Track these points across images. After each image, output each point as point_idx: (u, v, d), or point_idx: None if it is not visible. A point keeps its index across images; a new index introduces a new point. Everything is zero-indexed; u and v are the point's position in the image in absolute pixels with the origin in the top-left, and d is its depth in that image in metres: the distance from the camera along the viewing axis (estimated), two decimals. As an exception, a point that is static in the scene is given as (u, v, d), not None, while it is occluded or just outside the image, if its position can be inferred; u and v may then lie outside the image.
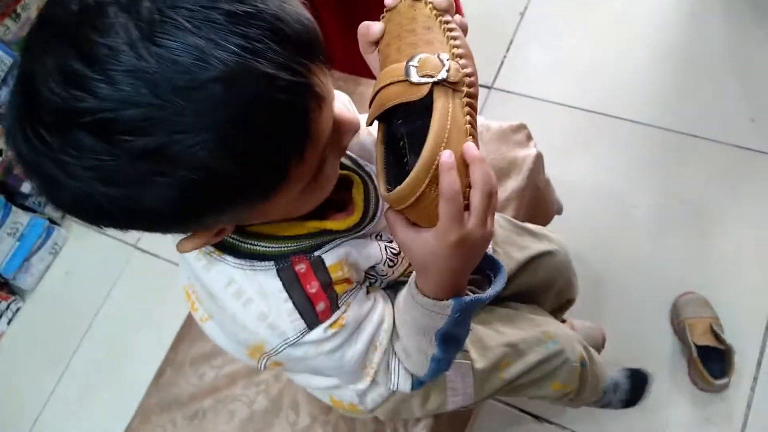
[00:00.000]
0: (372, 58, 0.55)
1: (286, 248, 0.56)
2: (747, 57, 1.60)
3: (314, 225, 0.56)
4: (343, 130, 0.51)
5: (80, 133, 0.38)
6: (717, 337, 1.28)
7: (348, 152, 0.63)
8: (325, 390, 0.77)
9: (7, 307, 1.77)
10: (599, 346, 1.28)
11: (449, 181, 0.47)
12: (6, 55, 1.60)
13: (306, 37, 0.43)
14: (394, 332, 0.65)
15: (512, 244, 0.88)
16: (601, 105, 1.63)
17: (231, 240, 0.55)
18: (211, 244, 0.53)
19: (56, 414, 1.64)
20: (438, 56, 0.48)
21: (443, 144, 0.47)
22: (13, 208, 1.75)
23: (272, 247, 0.55)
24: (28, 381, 1.70)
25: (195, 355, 0.99)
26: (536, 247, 0.88)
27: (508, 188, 1.01)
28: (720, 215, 1.44)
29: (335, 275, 0.58)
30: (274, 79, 0.40)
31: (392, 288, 0.70)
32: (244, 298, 0.55)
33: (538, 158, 1.05)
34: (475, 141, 0.50)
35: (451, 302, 0.55)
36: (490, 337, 0.83)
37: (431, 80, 0.47)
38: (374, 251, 0.63)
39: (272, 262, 0.55)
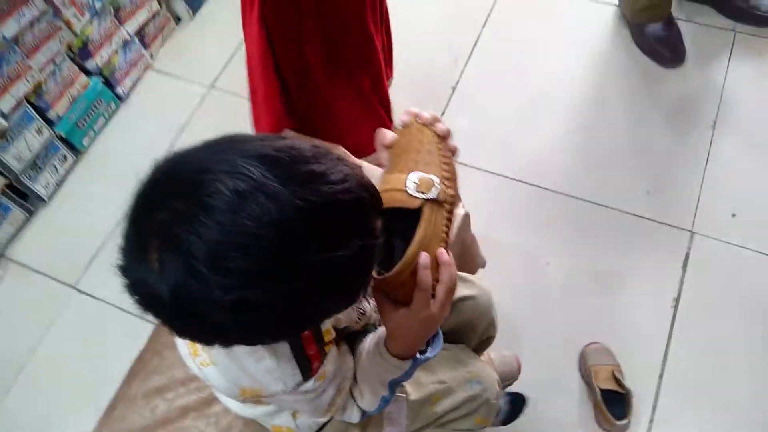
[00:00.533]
0: (382, 156, 0.71)
1: None
2: (644, 136, 1.86)
3: None
4: None
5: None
6: (618, 382, 1.45)
7: None
8: (265, 416, 0.87)
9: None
10: (515, 373, 1.43)
11: (424, 277, 0.64)
12: None
13: (376, 201, 0.57)
14: (355, 380, 0.81)
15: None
16: (520, 173, 1.83)
17: None
18: None
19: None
20: (432, 179, 0.64)
21: (424, 247, 0.63)
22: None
23: None
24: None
25: (148, 389, 1.04)
26: (462, 291, 1.01)
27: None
28: (621, 275, 1.65)
29: (327, 338, 0.72)
30: (366, 242, 0.54)
31: (348, 338, 0.85)
32: (257, 355, 0.67)
33: (466, 218, 1.20)
34: (447, 247, 0.66)
35: (410, 362, 0.74)
36: (424, 375, 0.95)
37: (424, 197, 0.63)
38: (351, 314, 0.80)
39: None
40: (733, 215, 1.70)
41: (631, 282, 1.63)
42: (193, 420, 0.98)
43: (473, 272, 1.32)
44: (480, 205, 1.72)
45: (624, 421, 1.40)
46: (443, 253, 0.65)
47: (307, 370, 0.69)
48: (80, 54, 1.92)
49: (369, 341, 0.82)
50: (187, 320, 0.53)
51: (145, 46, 2.15)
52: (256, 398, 0.73)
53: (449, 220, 0.66)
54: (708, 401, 1.46)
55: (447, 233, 0.66)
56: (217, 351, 0.68)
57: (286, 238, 0.49)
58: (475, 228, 1.35)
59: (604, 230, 1.72)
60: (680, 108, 1.90)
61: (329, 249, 0.51)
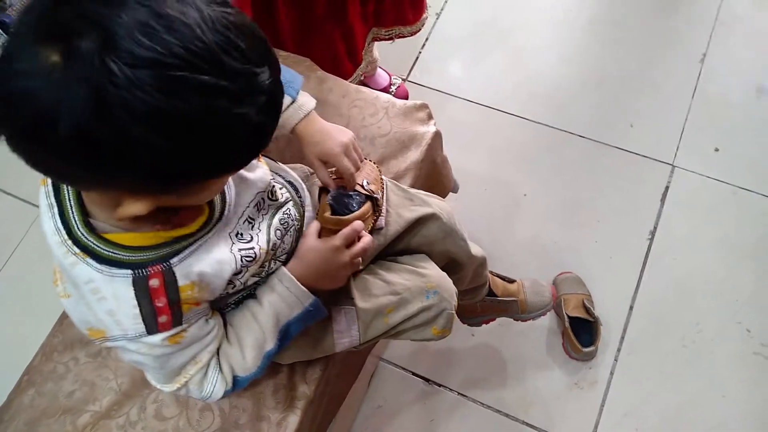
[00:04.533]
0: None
1: (144, 257, 0.62)
2: (631, 68, 1.81)
3: (166, 234, 0.64)
4: None
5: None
6: (587, 310, 1.44)
7: None
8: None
9: None
10: (547, 304, 1.34)
11: (350, 230, 0.83)
12: None
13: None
14: (229, 342, 0.77)
15: (403, 207, 0.98)
16: (501, 103, 1.79)
17: (94, 246, 0.61)
18: (141, 214, 0.57)
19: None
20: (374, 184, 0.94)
21: (362, 218, 0.88)
22: None
23: (130, 257, 0.62)
24: None
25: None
26: (422, 210, 0.98)
27: (407, 159, 1.11)
28: (599, 207, 1.62)
29: (184, 294, 0.65)
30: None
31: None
32: (99, 295, 0.62)
33: (437, 135, 1.16)
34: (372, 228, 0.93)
35: (307, 298, 0.79)
36: (377, 286, 0.92)
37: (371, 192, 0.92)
38: (227, 259, 0.70)
39: (130, 271, 0.61)
40: (716, 150, 1.67)
41: (609, 214, 1.61)
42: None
43: (443, 195, 1.29)
44: (459, 133, 1.70)
45: (591, 348, 1.41)
46: (366, 234, 0.87)
47: (151, 323, 0.64)
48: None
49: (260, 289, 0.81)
50: (79, 148, 0.47)
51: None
52: (103, 340, 0.67)
53: (376, 208, 0.94)
54: (676, 334, 1.46)
55: (375, 219, 0.93)
56: (70, 286, 0.65)
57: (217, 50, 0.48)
58: (454, 157, 1.32)
59: (586, 162, 1.69)
60: (671, 40, 1.85)
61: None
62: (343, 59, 1.40)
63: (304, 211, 0.88)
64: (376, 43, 1.52)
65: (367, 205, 0.90)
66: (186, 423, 0.94)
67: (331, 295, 0.88)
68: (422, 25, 1.50)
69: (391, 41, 1.50)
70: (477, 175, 1.67)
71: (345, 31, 1.35)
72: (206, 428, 0.93)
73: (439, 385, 1.45)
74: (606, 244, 1.58)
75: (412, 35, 1.49)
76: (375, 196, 0.92)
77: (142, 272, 0.62)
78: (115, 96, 0.45)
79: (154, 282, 0.62)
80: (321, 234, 0.85)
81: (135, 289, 0.62)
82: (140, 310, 0.63)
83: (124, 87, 0.45)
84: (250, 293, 0.82)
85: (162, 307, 0.64)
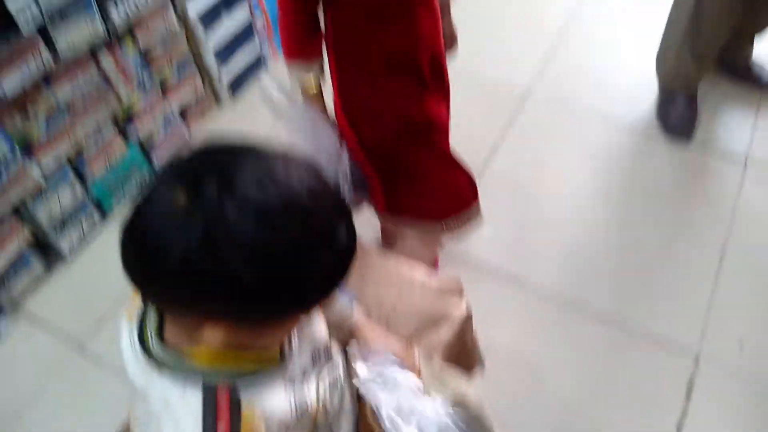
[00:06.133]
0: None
1: (215, 373, 0.67)
2: (651, 262, 1.89)
3: (245, 356, 0.70)
4: None
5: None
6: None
7: None
8: None
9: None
10: None
11: None
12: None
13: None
14: None
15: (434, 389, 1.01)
16: (527, 278, 1.85)
17: (168, 359, 0.68)
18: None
19: None
20: None
21: None
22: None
23: (204, 372, 0.67)
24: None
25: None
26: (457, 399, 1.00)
27: (438, 337, 1.16)
28: (618, 397, 1.61)
29: (245, 427, 0.67)
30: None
31: None
32: (169, 409, 0.67)
33: (468, 319, 1.21)
34: None
35: None
36: None
37: None
38: (283, 400, 0.73)
39: (200, 386, 0.66)
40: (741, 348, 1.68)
41: (631, 404, 1.60)
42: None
43: (469, 370, 1.31)
44: (483, 306, 1.72)
45: None
46: None
47: None
48: (124, 122, 2.01)
49: None
50: (183, 274, 0.56)
51: (186, 122, 2.27)
52: None
53: None
54: None
55: None
56: (143, 409, 0.69)
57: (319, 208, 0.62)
58: (475, 329, 1.36)
59: (610, 350, 1.70)
60: (691, 233, 1.94)
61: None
62: None
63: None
64: None
65: None
66: None
67: None
68: None
69: None
70: (496, 351, 1.68)
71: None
72: None
73: None
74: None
75: None
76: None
77: (212, 390, 0.66)
78: (223, 232, 0.55)
79: (222, 402, 0.66)
80: None
81: (204, 404, 0.66)
82: (203, 428, 0.65)
83: (233, 225, 0.55)
84: None
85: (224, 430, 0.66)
